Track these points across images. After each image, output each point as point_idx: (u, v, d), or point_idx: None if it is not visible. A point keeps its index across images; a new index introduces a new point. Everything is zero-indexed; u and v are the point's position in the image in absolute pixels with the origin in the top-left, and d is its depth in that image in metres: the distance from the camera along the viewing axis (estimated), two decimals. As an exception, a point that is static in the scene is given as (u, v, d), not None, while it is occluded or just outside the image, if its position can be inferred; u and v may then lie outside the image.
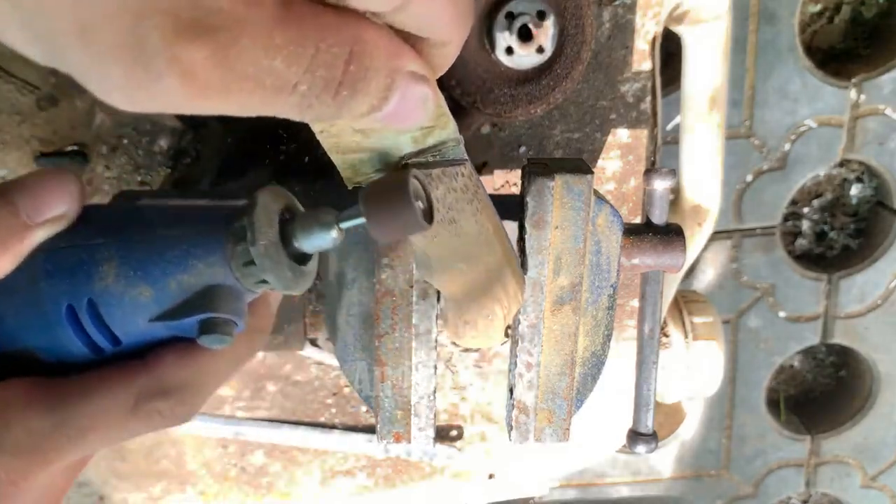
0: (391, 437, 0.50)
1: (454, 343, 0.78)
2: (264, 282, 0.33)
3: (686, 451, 1.61)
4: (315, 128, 0.31)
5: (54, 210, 0.32)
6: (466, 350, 0.78)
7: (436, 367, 0.48)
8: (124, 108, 0.23)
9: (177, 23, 0.20)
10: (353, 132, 0.31)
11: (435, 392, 0.49)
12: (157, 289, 0.33)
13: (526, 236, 0.45)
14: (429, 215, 0.32)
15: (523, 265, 0.46)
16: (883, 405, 1.58)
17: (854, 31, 1.44)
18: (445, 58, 0.29)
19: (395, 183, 0.30)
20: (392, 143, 0.32)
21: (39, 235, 0.32)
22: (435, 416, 0.50)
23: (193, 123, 0.67)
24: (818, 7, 1.42)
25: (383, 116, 0.27)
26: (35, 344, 0.34)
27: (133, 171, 0.68)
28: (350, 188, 0.34)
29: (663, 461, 1.62)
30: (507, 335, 0.48)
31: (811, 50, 1.40)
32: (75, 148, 0.67)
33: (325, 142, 0.32)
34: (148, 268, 0.33)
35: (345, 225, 0.32)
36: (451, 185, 0.36)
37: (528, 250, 0.45)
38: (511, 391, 0.49)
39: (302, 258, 0.34)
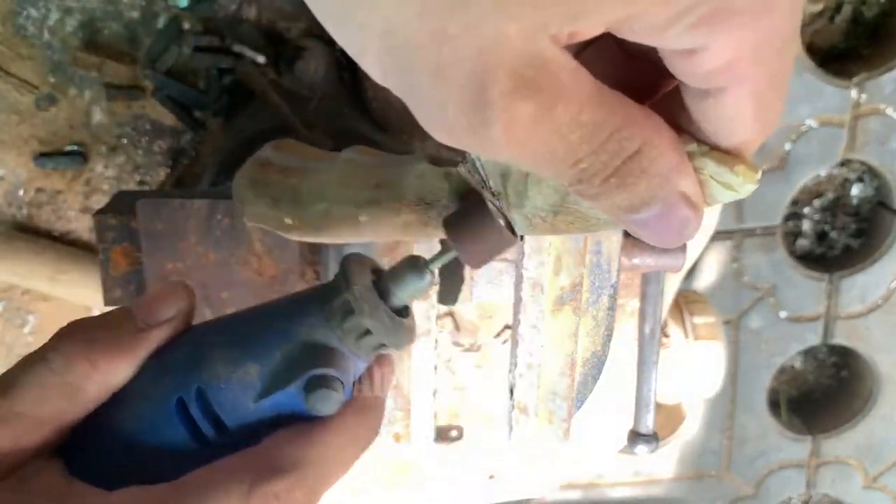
0: (391, 437, 0.50)
1: (455, 343, 0.78)
2: (367, 334, 0.33)
3: (687, 451, 1.61)
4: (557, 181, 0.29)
5: (167, 312, 0.34)
6: (467, 350, 0.78)
7: (436, 367, 0.48)
8: (440, 139, 0.25)
9: (517, 80, 0.22)
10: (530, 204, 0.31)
11: (435, 392, 0.49)
12: (263, 363, 0.33)
13: (526, 236, 0.45)
14: (512, 229, 0.32)
15: (523, 265, 0.46)
16: (884, 406, 1.58)
17: (855, 30, 1.44)
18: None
19: (474, 209, 0.31)
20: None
21: (155, 337, 0.34)
22: (435, 416, 0.50)
23: (193, 124, 0.67)
24: (819, 7, 1.42)
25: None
26: (149, 449, 0.34)
27: (132, 171, 0.68)
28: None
29: (664, 462, 1.61)
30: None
31: (812, 50, 1.39)
32: (74, 148, 0.67)
33: (544, 178, 0.30)
34: (252, 344, 0.33)
35: (434, 266, 0.33)
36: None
37: (528, 250, 0.45)
38: (511, 391, 0.49)
39: (400, 311, 0.34)
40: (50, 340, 0.33)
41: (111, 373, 0.33)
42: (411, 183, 0.36)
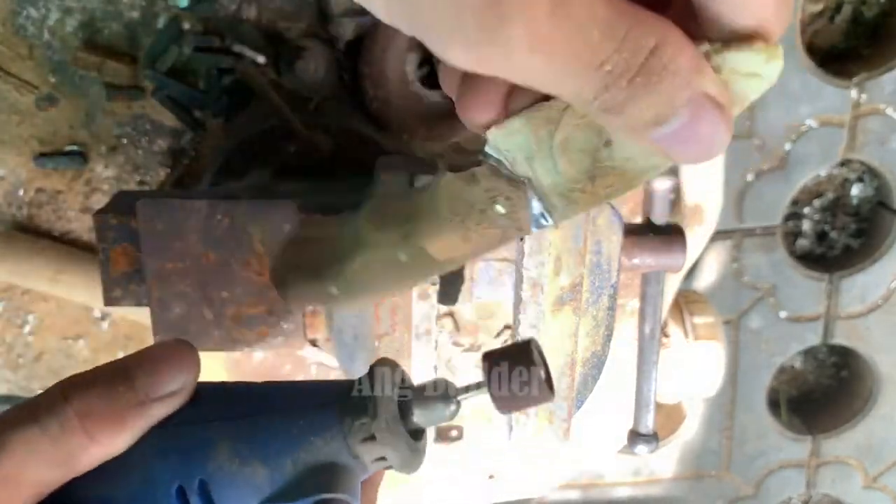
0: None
1: (455, 343, 0.78)
2: (381, 459, 0.32)
3: (687, 451, 1.61)
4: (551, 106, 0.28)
5: (171, 386, 0.32)
6: (467, 350, 0.78)
7: (436, 367, 0.48)
8: (460, 62, 0.24)
9: None
10: (556, 143, 0.29)
11: (435, 392, 0.49)
12: (272, 468, 0.32)
13: (526, 236, 0.45)
14: (550, 383, 0.31)
15: (523, 265, 0.46)
16: (884, 406, 1.58)
17: (855, 30, 1.44)
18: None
19: (524, 360, 0.30)
20: (542, 169, 0.29)
21: (157, 412, 0.32)
22: (435, 416, 0.50)
23: (193, 124, 0.67)
24: (819, 7, 1.42)
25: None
26: None
27: (132, 171, 0.68)
28: (555, 218, 0.31)
29: (664, 462, 1.61)
30: None
31: (812, 50, 1.39)
32: (74, 148, 0.67)
33: (535, 118, 0.29)
34: (263, 446, 0.32)
35: (464, 398, 0.32)
36: (491, 237, 0.33)
37: (528, 250, 0.45)
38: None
39: (416, 433, 0.33)
40: (45, 398, 0.31)
41: (108, 447, 0.31)
42: (441, 201, 0.34)
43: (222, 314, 0.52)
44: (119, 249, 0.53)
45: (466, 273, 0.47)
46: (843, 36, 1.44)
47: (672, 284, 0.83)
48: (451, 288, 0.48)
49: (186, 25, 0.63)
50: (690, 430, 1.59)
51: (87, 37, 0.64)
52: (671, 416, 1.59)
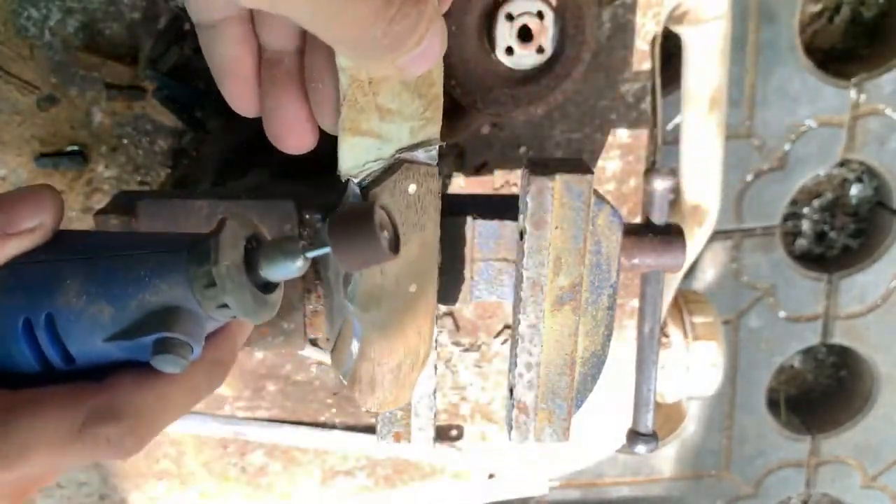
0: (391, 437, 0.50)
1: (455, 343, 0.78)
2: (225, 307, 0.33)
3: (686, 451, 1.61)
4: (348, 101, 0.33)
5: (28, 222, 0.32)
6: (466, 350, 0.78)
7: (436, 367, 0.49)
8: (250, 2, 0.26)
9: None
10: (373, 112, 0.33)
11: (435, 392, 0.49)
12: (117, 307, 0.32)
13: (526, 236, 0.45)
14: (395, 245, 0.33)
15: (523, 265, 0.46)
16: (883, 405, 1.58)
17: (854, 30, 1.44)
18: None
19: (361, 213, 0.31)
20: (395, 131, 0.34)
21: (12, 246, 0.32)
22: (435, 416, 0.50)
23: (194, 124, 0.67)
24: (818, 7, 1.42)
25: (418, 54, 0.29)
26: None
27: (133, 171, 0.68)
28: (343, 180, 0.36)
29: (663, 461, 1.61)
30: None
31: (811, 50, 1.40)
32: (75, 148, 0.67)
33: (347, 121, 0.34)
34: (110, 285, 0.32)
35: (311, 255, 0.33)
36: (429, 186, 0.37)
37: (527, 250, 0.45)
38: (511, 391, 0.49)
39: (266, 287, 0.34)
40: None
41: None
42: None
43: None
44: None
45: (466, 273, 0.47)
46: (843, 36, 1.44)
47: (671, 284, 0.83)
48: (451, 288, 0.48)
49: (187, 26, 0.63)
50: (690, 430, 1.59)
51: (88, 37, 0.64)
52: (671, 416, 1.59)
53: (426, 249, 0.39)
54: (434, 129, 0.35)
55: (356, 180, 0.36)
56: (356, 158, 0.35)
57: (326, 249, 0.32)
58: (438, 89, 0.35)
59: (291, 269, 0.33)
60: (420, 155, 0.36)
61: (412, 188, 0.36)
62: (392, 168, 0.36)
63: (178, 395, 0.34)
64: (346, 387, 0.44)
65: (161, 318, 0.32)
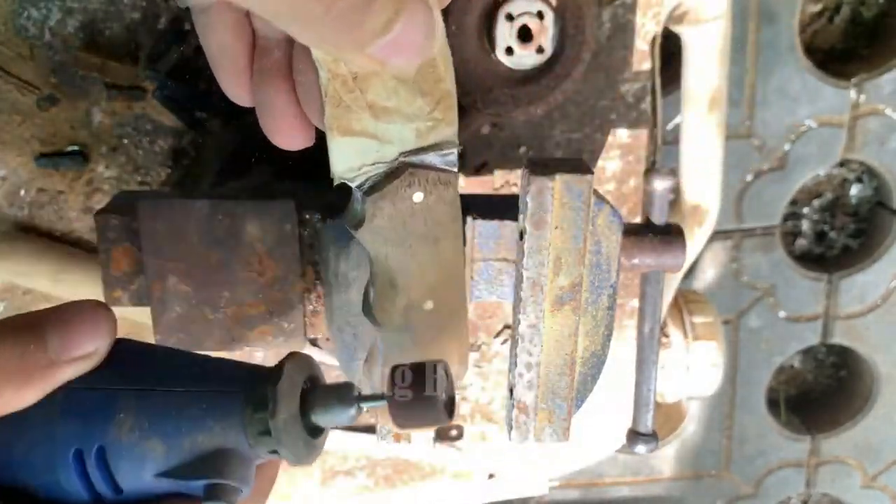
0: (391, 437, 0.50)
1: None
2: (276, 452, 0.33)
3: (686, 451, 1.61)
4: (329, 97, 0.31)
5: (83, 349, 0.32)
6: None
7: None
8: None
9: None
10: (363, 112, 0.31)
11: (435, 392, 0.49)
12: (169, 445, 0.33)
13: (526, 236, 0.45)
14: (451, 408, 0.32)
15: (523, 265, 0.46)
16: (883, 405, 1.58)
17: (854, 31, 1.44)
18: None
19: (426, 401, 0.31)
20: (397, 133, 0.32)
21: (66, 374, 0.32)
22: (435, 415, 0.50)
23: (194, 124, 0.67)
24: (818, 7, 1.42)
25: (388, 42, 0.27)
26: (36, 482, 0.34)
27: (133, 171, 0.68)
28: (335, 184, 0.33)
29: (663, 461, 1.61)
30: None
31: (811, 50, 1.40)
32: (75, 148, 0.67)
33: (332, 120, 0.32)
34: (164, 423, 0.33)
35: (366, 406, 0.33)
36: (441, 195, 0.35)
37: (527, 250, 0.45)
38: (511, 391, 0.49)
39: (315, 431, 0.34)
40: None
41: (12, 402, 0.31)
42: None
43: (223, 314, 0.52)
44: (120, 249, 0.53)
45: (466, 273, 0.47)
46: (842, 36, 1.44)
47: (671, 284, 0.83)
48: (451, 288, 0.48)
49: (188, 26, 0.63)
50: (690, 429, 1.59)
51: (89, 37, 0.64)
52: (671, 416, 1.59)
53: (443, 265, 0.37)
54: (448, 131, 0.32)
55: (353, 184, 0.34)
56: (350, 160, 0.33)
57: (382, 403, 0.32)
58: (447, 86, 0.32)
59: (343, 419, 0.33)
60: (433, 159, 0.33)
61: (418, 196, 0.34)
62: (395, 173, 0.33)
63: None
64: None
65: (214, 461, 0.32)
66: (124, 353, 0.34)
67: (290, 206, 0.52)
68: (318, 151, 0.68)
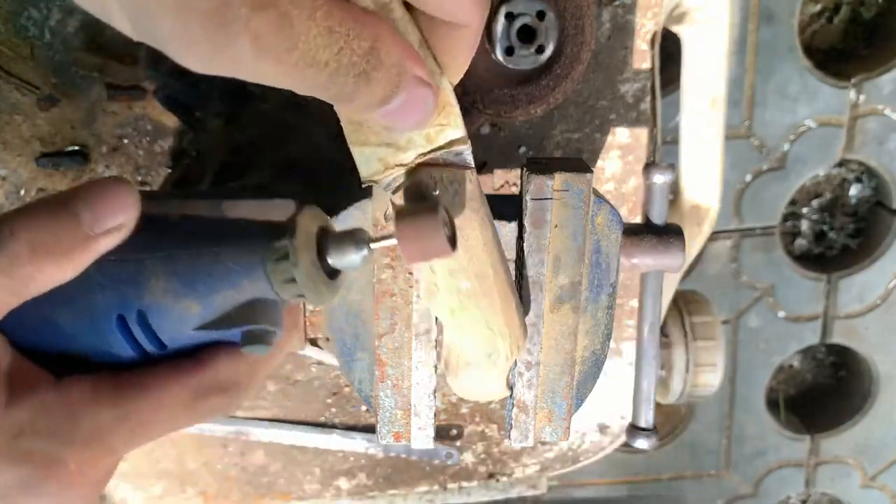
0: (391, 437, 0.50)
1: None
2: (292, 281, 0.35)
3: (686, 450, 1.61)
4: (342, 118, 0.34)
5: (114, 220, 0.34)
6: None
7: (436, 367, 0.49)
8: (198, 69, 0.26)
9: None
10: (374, 125, 0.34)
11: (435, 392, 0.49)
12: (203, 303, 0.36)
13: (525, 235, 0.45)
14: (453, 241, 0.35)
15: (523, 264, 0.46)
16: (882, 405, 1.58)
17: (853, 31, 1.44)
18: (467, 41, 0.32)
19: (425, 210, 0.34)
20: (408, 139, 0.35)
21: (102, 246, 0.34)
22: (435, 415, 0.50)
23: (194, 124, 0.67)
24: (818, 7, 1.43)
25: (388, 111, 0.30)
26: (88, 348, 0.37)
27: (133, 171, 0.68)
28: (363, 186, 0.36)
29: (663, 461, 1.62)
30: (509, 386, 0.48)
31: (811, 50, 1.40)
32: (76, 148, 0.67)
33: (350, 135, 0.35)
34: (194, 284, 0.35)
35: (375, 245, 0.35)
36: (456, 189, 0.37)
37: (527, 249, 0.45)
38: (510, 390, 0.49)
39: (333, 273, 0.37)
40: None
41: (55, 276, 0.33)
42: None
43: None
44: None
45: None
46: (842, 36, 1.44)
47: (671, 284, 0.83)
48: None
49: (187, 26, 0.63)
50: (689, 429, 1.59)
51: (89, 37, 0.64)
52: (670, 416, 1.59)
53: (473, 250, 0.39)
54: (455, 132, 0.35)
55: (380, 185, 0.36)
56: (373, 166, 0.36)
57: (392, 241, 0.34)
58: (446, 97, 0.34)
59: (355, 258, 0.35)
60: (447, 157, 0.36)
61: (437, 193, 0.37)
62: (414, 172, 0.36)
63: (262, 363, 0.40)
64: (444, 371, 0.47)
65: (246, 310, 0.36)
66: (148, 223, 0.36)
67: (290, 206, 0.52)
68: (318, 153, 0.68)
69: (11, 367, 0.36)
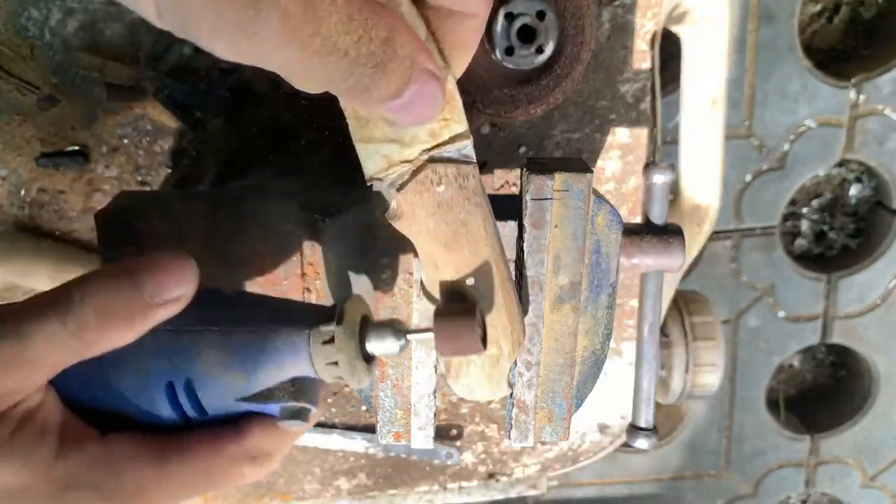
0: (391, 437, 0.50)
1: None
2: (334, 364, 0.38)
3: (686, 450, 1.61)
4: (348, 113, 0.34)
5: (174, 293, 0.36)
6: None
7: (436, 367, 0.49)
8: (223, 53, 0.27)
9: None
10: (380, 121, 0.34)
11: (435, 392, 0.49)
12: (248, 377, 0.38)
13: (525, 235, 0.45)
14: (484, 341, 0.38)
15: (523, 264, 0.46)
16: (882, 405, 1.58)
17: (853, 31, 1.44)
18: (472, 33, 0.33)
19: (463, 314, 0.37)
20: (412, 135, 0.35)
21: (160, 315, 0.36)
22: (435, 415, 0.50)
23: (194, 124, 0.67)
24: (818, 7, 1.43)
25: (398, 105, 0.31)
26: (132, 407, 0.39)
27: (133, 171, 0.68)
28: (368, 183, 0.37)
29: (663, 461, 1.62)
30: (509, 385, 0.48)
31: (811, 50, 1.40)
32: (76, 148, 0.67)
33: (355, 131, 0.35)
34: (243, 359, 0.38)
35: (413, 338, 0.38)
36: (461, 184, 0.37)
37: (527, 249, 0.45)
38: (511, 390, 0.49)
39: (369, 358, 0.39)
40: (64, 295, 0.35)
41: (115, 341, 0.35)
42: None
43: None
44: (120, 249, 0.53)
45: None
46: (842, 37, 1.44)
47: (672, 284, 0.83)
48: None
49: (187, 26, 0.63)
50: (690, 429, 1.59)
51: (89, 37, 0.64)
52: (670, 416, 1.59)
53: (476, 246, 0.40)
54: (458, 128, 0.36)
55: (385, 183, 0.37)
56: (378, 163, 0.36)
57: (429, 335, 0.38)
58: (450, 91, 0.35)
59: (393, 347, 0.38)
60: (450, 153, 0.36)
61: (441, 188, 0.37)
62: (418, 169, 0.36)
63: (292, 435, 0.42)
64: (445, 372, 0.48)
65: (287, 388, 0.39)
66: (204, 296, 0.38)
67: (290, 206, 0.52)
68: (318, 152, 0.68)
69: (62, 421, 0.38)
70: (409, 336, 0.38)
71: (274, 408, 0.39)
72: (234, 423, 0.40)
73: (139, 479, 0.37)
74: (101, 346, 0.35)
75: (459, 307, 0.38)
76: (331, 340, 0.37)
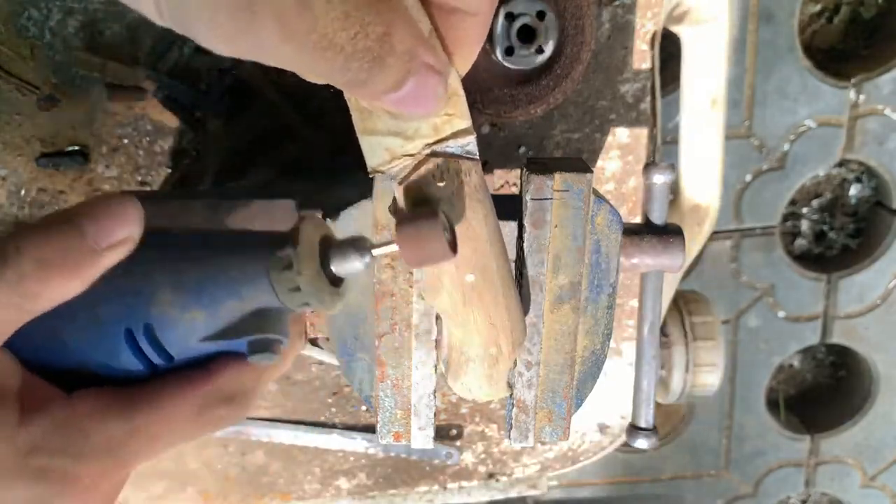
0: (391, 437, 0.50)
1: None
2: (297, 290, 0.35)
3: (686, 450, 1.61)
4: (352, 105, 0.34)
5: (119, 235, 0.34)
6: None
7: (436, 367, 0.49)
8: (222, 50, 0.27)
9: None
10: (383, 113, 0.34)
11: (435, 392, 0.49)
12: (209, 314, 0.36)
13: (525, 235, 0.45)
14: (454, 246, 0.35)
15: (523, 264, 0.46)
16: (882, 405, 1.58)
17: (853, 31, 1.44)
18: (476, 30, 0.33)
19: (425, 215, 0.34)
20: (415, 129, 0.35)
21: (107, 260, 0.34)
22: (435, 415, 0.50)
23: (194, 124, 0.67)
24: (817, 7, 1.43)
25: (398, 98, 0.31)
26: (97, 363, 0.37)
27: (133, 171, 0.68)
28: (370, 176, 0.37)
29: (663, 461, 1.62)
30: (509, 385, 0.48)
31: (811, 50, 1.40)
32: (76, 148, 0.67)
33: (358, 123, 0.35)
34: (200, 295, 0.36)
35: (377, 252, 0.36)
36: (464, 179, 0.37)
37: (527, 249, 0.45)
38: (511, 390, 0.49)
39: (336, 281, 0.37)
40: (1, 249, 0.33)
41: (62, 292, 0.34)
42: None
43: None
44: (121, 249, 0.53)
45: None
46: (842, 37, 1.44)
47: (672, 284, 0.83)
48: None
49: (187, 26, 0.63)
50: (689, 429, 1.59)
51: (89, 37, 0.64)
52: (670, 416, 1.59)
53: (477, 242, 0.39)
54: (461, 123, 0.35)
55: (388, 176, 0.36)
56: (380, 156, 0.36)
57: (393, 247, 0.35)
58: (454, 87, 0.35)
59: (357, 265, 0.36)
60: (453, 148, 0.36)
61: (441, 183, 0.37)
62: (420, 163, 0.36)
63: (268, 372, 0.41)
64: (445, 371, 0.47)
65: (252, 320, 0.36)
66: (152, 236, 0.36)
67: (290, 206, 0.52)
68: (318, 152, 0.68)
69: (22, 385, 0.36)
70: (373, 251, 0.36)
71: (242, 344, 0.36)
72: (203, 366, 0.38)
73: (108, 436, 0.36)
74: (48, 298, 0.33)
75: (421, 210, 0.35)
76: (289, 265, 0.35)
